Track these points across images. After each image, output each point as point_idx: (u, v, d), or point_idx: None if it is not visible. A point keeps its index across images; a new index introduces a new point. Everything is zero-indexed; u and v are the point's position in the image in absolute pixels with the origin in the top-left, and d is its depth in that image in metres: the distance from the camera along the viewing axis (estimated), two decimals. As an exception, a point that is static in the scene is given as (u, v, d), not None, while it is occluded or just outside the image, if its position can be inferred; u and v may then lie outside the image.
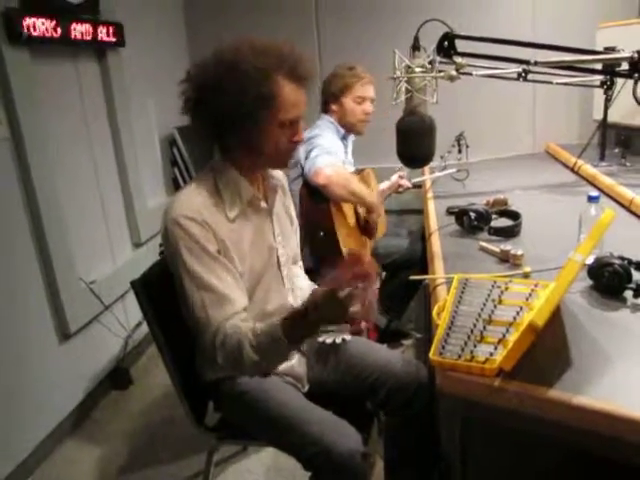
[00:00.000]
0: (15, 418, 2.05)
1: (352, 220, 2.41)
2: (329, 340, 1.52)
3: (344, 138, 2.51)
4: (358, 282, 1.10)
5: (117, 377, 2.66)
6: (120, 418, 2.46)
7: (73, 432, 2.37)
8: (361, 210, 2.48)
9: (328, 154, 2.20)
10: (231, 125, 1.28)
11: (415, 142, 1.90)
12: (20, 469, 2.05)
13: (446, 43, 1.84)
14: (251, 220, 1.40)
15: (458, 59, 1.86)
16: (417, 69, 1.84)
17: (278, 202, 1.52)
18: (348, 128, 2.48)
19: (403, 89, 1.87)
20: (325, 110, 2.46)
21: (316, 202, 2.19)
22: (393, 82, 1.89)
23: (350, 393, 1.54)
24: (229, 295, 1.29)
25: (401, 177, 2.65)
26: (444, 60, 1.91)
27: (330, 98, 2.42)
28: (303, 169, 2.23)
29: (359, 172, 2.52)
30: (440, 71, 1.88)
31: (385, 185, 2.68)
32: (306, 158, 2.20)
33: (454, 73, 1.88)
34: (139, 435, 2.33)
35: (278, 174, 1.55)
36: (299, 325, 1.20)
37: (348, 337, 1.54)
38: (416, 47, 1.87)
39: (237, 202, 1.36)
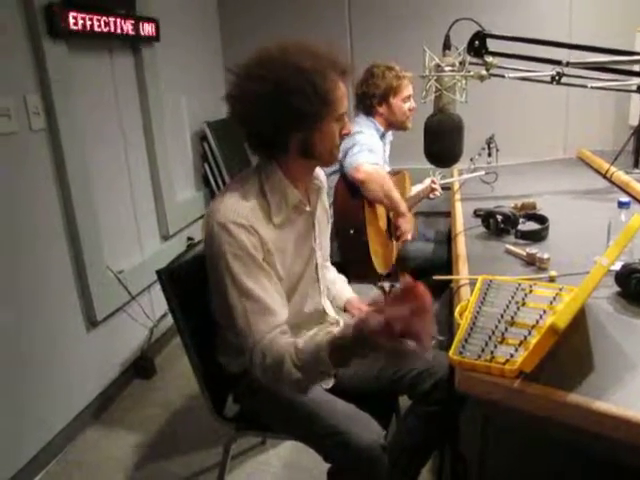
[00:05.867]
0: (41, 402, 2.10)
1: (383, 222, 2.41)
2: None
3: (383, 137, 2.51)
4: (414, 318, 0.96)
5: (141, 366, 2.70)
6: (142, 407, 2.50)
7: (96, 419, 2.41)
8: (392, 214, 2.48)
9: (370, 152, 2.20)
10: (295, 125, 1.27)
11: (442, 140, 1.90)
12: (43, 452, 2.10)
13: (477, 42, 1.82)
14: (295, 224, 1.40)
15: (489, 58, 1.84)
16: (447, 68, 1.83)
17: (319, 203, 1.52)
18: (397, 126, 2.49)
19: (433, 88, 1.86)
20: (368, 111, 2.45)
21: (351, 198, 2.19)
22: (423, 80, 1.89)
23: (384, 389, 1.53)
24: (272, 306, 1.27)
25: (434, 182, 2.62)
26: (475, 61, 1.89)
27: (375, 100, 2.41)
28: (341, 164, 2.23)
29: (395, 174, 2.51)
30: (469, 70, 1.87)
31: (419, 188, 2.67)
32: (345, 153, 2.20)
33: (484, 72, 1.87)
34: (160, 424, 2.36)
35: (320, 175, 1.54)
36: (347, 351, 1.13)
37: None
38: (447, 46, 1.87)
39: (283, 207, 1.35)
